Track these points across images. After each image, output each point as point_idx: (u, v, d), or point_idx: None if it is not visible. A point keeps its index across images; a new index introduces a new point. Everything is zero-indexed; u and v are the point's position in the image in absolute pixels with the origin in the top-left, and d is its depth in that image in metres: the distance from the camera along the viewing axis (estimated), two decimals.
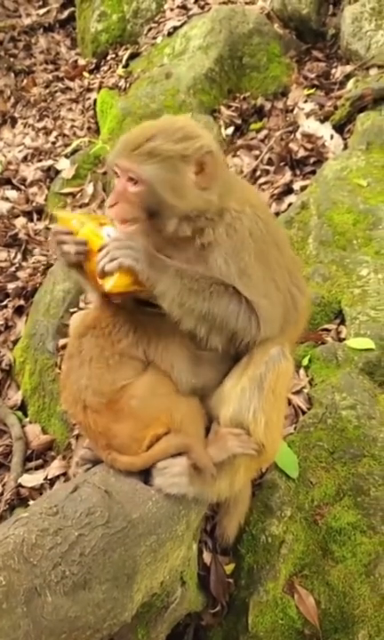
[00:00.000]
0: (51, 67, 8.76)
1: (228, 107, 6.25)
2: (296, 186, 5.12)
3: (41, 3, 9.64)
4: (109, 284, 2.27)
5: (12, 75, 8.62)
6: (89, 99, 7.69)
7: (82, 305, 4.78)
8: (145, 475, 2.42)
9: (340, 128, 5.44)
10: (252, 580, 2.98)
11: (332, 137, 5.36)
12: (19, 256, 5.93)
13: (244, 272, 2.40)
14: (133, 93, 6.61)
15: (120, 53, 7.76)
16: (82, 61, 8.38)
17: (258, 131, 5.97)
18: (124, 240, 2.27)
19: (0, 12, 9.47)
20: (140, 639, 2.56)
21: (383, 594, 2.85)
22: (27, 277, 5.59)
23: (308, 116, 5.67)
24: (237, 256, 2.40)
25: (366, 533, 2.97)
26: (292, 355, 2.61)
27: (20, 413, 4.57)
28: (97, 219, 2.43)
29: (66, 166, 6.53)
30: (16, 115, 8.05)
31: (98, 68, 8.07)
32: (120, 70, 7.48)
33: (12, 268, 5.77)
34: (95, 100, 7.37)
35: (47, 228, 6.14)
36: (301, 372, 3.65)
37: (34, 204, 6.50)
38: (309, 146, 5.37)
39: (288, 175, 5.28)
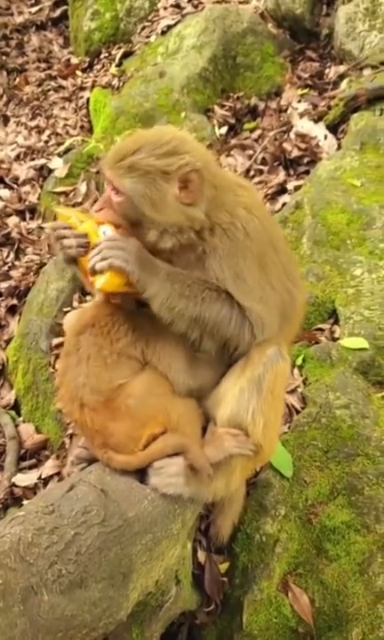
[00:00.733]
0: (43, 65, 8.73)
1: (222, 106, 6.25)
2: (290, 186, 5.12)
3: (33, 1, 9.59)
4: (100, 283, 2.29)
5: (5, 73, 8.58)
6: (82, 97, 7.66)
7: (75, 304, 4.77)
8: (141, 474, 2.42)
9: (333, 128, 5.45)
10: (246, 579, 2.98)
11: (325, 137, 5.37)
12: (11, 255, 5.92)
13: (239, 276, 2.41)
14: (127, 92, 6.60)
15: (113, 52, 7.73)
16: (75, 60, 8.35)
17: (251, 130, 5.97)
18: (117, 240, 2.28)
19: None
20: (135, 638, 2.56)
21: (377, 592, 2.86)
22: (20, 276, 5.58)
23: (301, 115, 5.68)
24: (232, 260, 2.41)
25: (360, 532, 2.98)
26: (288, 354, 2.62)
27: (13, 413, 4.56)
28: (94, 217, 2.43)
29: (59, 165, 6.51)
30: (8, 113, 8.02)
31: (91, 66, 8.04)
32: (113, 69, 7.46)
33: (5, 267, 5.76)
34: (88, 99, 7.35)
35: (40, 227, 6.13)
36: (295, 371, 3.66)
37: (27, 203, 6.48)
38: (303, 146, 5.38)
39: (282, 175, 5.28)
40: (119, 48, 7.70)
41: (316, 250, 4.21)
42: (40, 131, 7.48)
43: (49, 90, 8.17)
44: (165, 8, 7.48)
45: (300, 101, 5.93)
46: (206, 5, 6.98)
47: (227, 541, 3.09)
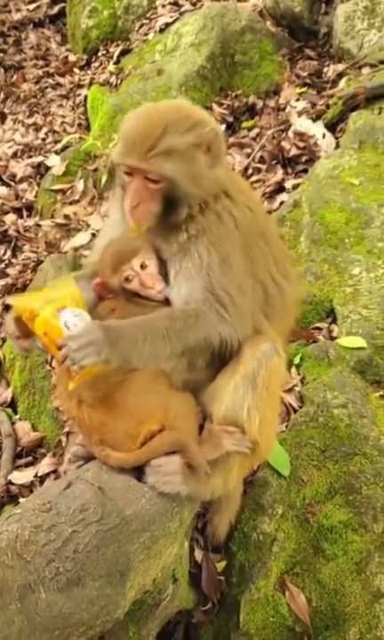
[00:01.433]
0: (41, 62, 8.71)
1: (220, 104, 6.23)
2: (288, 184, 5.11)
3: None
4: (72, 385, 2.28)
5: (2, 70, 8.56)
6: (79, 95, 7.64)
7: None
8: (138, 472, 2.41)
9: (332, 127, 5.43)
10: (243, 578, 2.98)
11: (324, 135, 5.35)
12: (8, 253, 5.90)
13: (226, 261, 2.42)
14: (124, 90, 6.58)
15: (111, 50, 7.71)
16: (72, 57, 8.33)
17: (250, 129, 5.96)
18: (78, 339, 2.21)
19: None
20: (131, 636, 2.55)
21: (374, 591, 2.86)
22: (16, 274, 5.56)
23: (300, 114, 5.66)
24: (221, 246, 2.42)
25: (358, 531, 2.98)
26: (284, 350, 2.61)
27: (9, 410, 4.54)
28: (55, 300, 2.34)
29: (56, 163, 6.50)
30: (6, 110, 8.00)
31: (88, 64, 8.02)
32: (111, 67, 7.43)
33: (2, 265, 5.75)
34: (86, 97, 7.34)
35: (37, 225, 6.10)
36: (293, 370, 3.65)
37: (24, 201, 6.46)
38: (301, 144, 5.36)
39: (280, 173, 5.27)
40: (117, 46, 7.67)
41: (315, 249, 4.21)
42: (37, 128, 7.46)
43: (46, 87, 8.15)
44: (163, 5, 7.45)
45: (298, 100, 5.90)
46: (205, 3, 6.95)
47: (224, 540, 3.08)
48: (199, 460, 2.40)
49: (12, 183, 6.72)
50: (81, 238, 5.49)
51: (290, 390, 3.55)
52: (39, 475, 3.93)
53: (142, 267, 2.47)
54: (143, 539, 2.29)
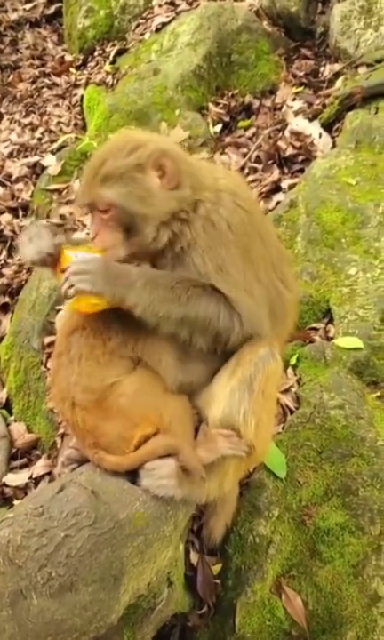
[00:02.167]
0: (37, 62, 8.69)
1: (217, 104, 6.21)
2: (284, 184, 5.08)
3: None
4: (74, 306, 2.37)
5: None
6: (76, 95, 7.63)
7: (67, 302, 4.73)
8: (132, 475, 2.39)
9: (328, 126, 5.42)
10: (239, 581, 2.96)
11: (320, 135, 5.33)
12: (4, 253, 5.88)
13: (222, 268, 2.39)
14: (121, 90, 6.56)
15: (107, 49, 7.70)
16: (69, 57, 8.31)
17: (246, 128, 5.94)
18: (82, 264, 2.30)
19: None
20: None
21: (371, 595, 2.84)
22: (12, 274, 5.54)
23: (296, 114, 5.64)
24: (214, 252, 2.39)
25: (354, 534, 2.96)
26: (280, 354, 2.59)
27: (4, 412, 4.52)
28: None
29: (52, 162, 6.47)
30: (2, 110, 7.98)
31: (85, 64, 8.01)
32: (107, 66, 7.42)
33: None
34: (82, 97, 7.32)
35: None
36: (289, 371, 3.63)
37: (19, 201, 6.43)
38: (298, 144, 5.34)
39: (276, 173, 5.25)
40: (113, 45, 7.66)
41: (311, 249, 4.19)
42: (33, 128, 7.44)
43: (43, 87, 8.13)
44: (160, 5, 7.44)
45: (294, 99, 5.89)
46: (201, 3, 6.94)
47: (219, 543, 3.06)
48: (194, 463, 2.38)
49: (8, 183, 6.68)
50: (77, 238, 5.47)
51: (286, 391, 3.53)
52: (34, 477, 3.90)
53: None
54: (137, 543, 2.27)
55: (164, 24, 7.08)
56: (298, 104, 5.79)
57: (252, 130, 5.88)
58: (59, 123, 7.37)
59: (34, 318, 4.66)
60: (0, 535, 2.02)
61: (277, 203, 4.88)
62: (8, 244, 5.94)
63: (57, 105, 7.74)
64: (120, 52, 7.53)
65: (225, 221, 2.41)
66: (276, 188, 5.13)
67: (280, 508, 3.06)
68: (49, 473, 3.88)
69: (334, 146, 5.17)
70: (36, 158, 6.82)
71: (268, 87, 6.25)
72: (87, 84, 7.46)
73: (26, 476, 3.94)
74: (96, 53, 7.85)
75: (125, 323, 2.42)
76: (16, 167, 6.80)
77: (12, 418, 4.47)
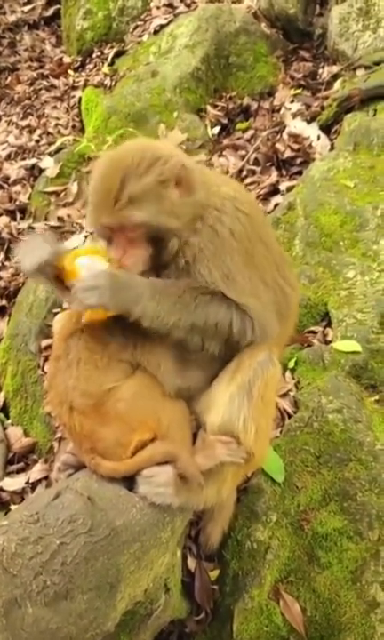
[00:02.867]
0: (35, 64, 8.67)
1: (215, 106, 6.20)
2: (282, 186, 5.07)
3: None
4: (87, 317, 2.36)
5: None
6: (74, 97, 7.61)
7: (65, 305, 4.71)
8: (129, 481, 2.37)
9: (326, 129, 5.41)
10: (236, 587, 2.94)
11: (318, 137, 5.32)
12: (1, 255, 5.85)
13: (228, 276, 2.39)
14: (119, 92, 6.55)
15: (105, 51, 7.68)
16: (67, 59, 8.30)
17: (244, 130, 5.93)
18: (88, 281, 2.26)
19: None
20: None
21: (370, 601, 2.82)
22: (9, 277, 5.52)
23: (294, 116, 5.63)
24: (220, 260, 2.39)
25: (353, 539, 2.94)
26: (279, 359, 2.57)
27: (1, 415, 4.49)
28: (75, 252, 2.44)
29: (50, 165, 6.44)
30: (0, 112, 7.96)
31: (83, 65, 7.99)
32: (105, 68, 7.41)
33: None
34: (80, 99, 7.29)
35: (31, 228, 6.05)
36: (287, 374, 3.61)
37: (17, 203, 6.41)
38: (296, 146, 5.33)
39: (274, 175, 5.24)
40: (111, 47, 7.65)
41: (309, 251, 4.17)
42: (31, 130, 7.42)
43: (41, 89, 8.10)
44: (158, 7, 7.44)
45: (293, 101, 5.88)
46: (199, 5, 6.94)
47: (217, 548, 3.04)
48: (192, 470, 2.36)
49: (6, 185, 6.66)
50: (75, 241, 5.45)
51: (284, 395, 3.52)
52: (31, 481, 3.88)
53: None
54: (134, 549, 2.25)
55: (162, 26, 7.08)
56: (296, 106, 5.78)
57: (251, 132, 5.87)
58: (57, 125, 7.35)
59: (31, 321, 4.64)
60: None
61: (275, 205, 4.87)
62: (6, 246, 5.91)
63: (55, 107, 7.72)
64: (118, 54, 7.52)
65: (228, 229, 2.40)
66: (274, 191, 5.12)
67: (278, 514, 3.04)
68: (46, 477, 3.85)
69: (332, 148, 5.16)
70: (33, 160, 6.79)
71: (267, 89, 6.24)
72: (85, 85, 7.44)
73: (23, 480, 3.91)
74: (94, 55, 7.84)
75: (125, 327, 2.40)
76: (14, 169, 6.78)
77: (9, 421, 4.44)
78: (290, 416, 3.41)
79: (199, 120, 6.09)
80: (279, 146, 5.40)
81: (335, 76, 5.88)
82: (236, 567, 2.97)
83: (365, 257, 4.02)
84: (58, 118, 7.49)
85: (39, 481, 3.87)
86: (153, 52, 6.84)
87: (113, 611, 2.21)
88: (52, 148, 6.76)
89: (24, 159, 6.94)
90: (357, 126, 4.95)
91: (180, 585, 2.83)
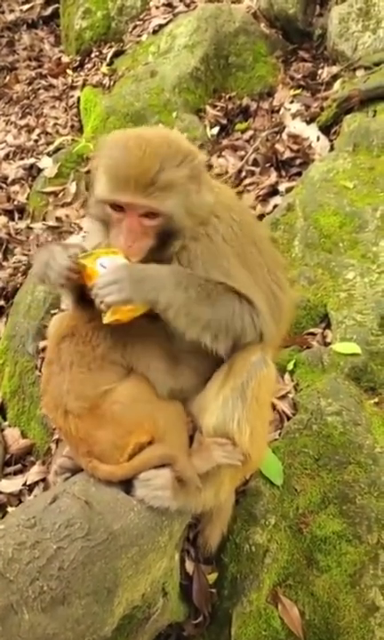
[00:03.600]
0: (34, 64, 8.65)
1: (214, 106, 6.19)
2: (282, 187, 5.06)
3: None
4: (108, 318, 2.26)
5: None
6: (72, 96, 7.59)
7: (63, 306, 4.69)
8: (126, 485, 2.35)
9: (326, 129, 5.40)
10: (235, 590, 2.92)
11: (318, 138, 5.31)
12: None
13: (228, 275, 2.38)
14: (118, 92, 6.54)
15: (104, 51, 7.66)
16: (65, 59, 8.28)
17: (243, 131, 5.91)
18: (105, 277, 2.21)
19: None
20: None
21: (368, 605, 2.81)
22: (7, 277, 5.50)
23: (294, 116, 5.62)
24: (217, 262, 2.39)
25: (352, 542, 2.93)
26: (273, 360, 2.56)
27: None
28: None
29: (48, 165, 6.43)
30: None
31: (82, 65, 7.97)
32: (104, 68, 7.39)
33: None
34: (79, 98, 7.28)
35: (29, 228, 6.04)
36: (286, 376, 3.60)
37: (15, 203, 6.40)
38: (295, 147, 5.32)
39: (273, 176, 5.22)
40: (110, 47, 7.63)
41: (308, 253, 4.16)
42: (30, 130, 7.40)
43: (39, 88, 8.09)
44: (157, 7, 7.42)
45: (292, 102, 5.87)
46: (198, 4, 6.93)
47: (215, 551, 3.02)
48: (190, 473, 2.35)
49: (4, 185, 6.65)
50: (73, 241, 5.43)
51: (283, 397, 3.50)
52: (28, 483, 3.86)
53: None
54: (131, 554, 2.23)
55: (161, 26, 7.07)
56: (295, 107, 5.76)
57: (250, 132, 5.86)
58: (55, 125, 7.34)
59: (29, 322, 4.63)
60: None
61: (275, 206, 4.86)
62: (4, 246, 5.90)
63: (53, 107, 7.71)
64: (117, 54, 7.50)
65: (221, 236, 2.40)
66: (274, 192, 5.11)
67: (276, 516, 3.03)
68: (43, 479, 3.84)
69: (332, 149, 5.15)
70: (32, 160, 6.78)
71: (266, 89, 6.22)
72: (84, 85, 7.43)
73: (20, 482, 3.89)
74: (93, 55, 7.82)
75: (113, 328, 2.38)
76: (12, 169, 6.77)
77: (7, 423, 4.43)
78: (289, 418, 3.39)
79: (198, 120, 6.08)
80: (278, 146, 5.39)
81: (335, 77, 5.87)
82: (235, 570, 2.96)
83: (365, 258, 4.01)
84: (56, 118, 7.47)
85: (36, 483, 3.86)
86: (152, 51, 6.83)
87: (110, 616, 2.19)
88: (51, 147, 6.75)
89: (22, 159, 6.93)
90: (357, 127, 4.94)
91: (178, 588, 2.82)
